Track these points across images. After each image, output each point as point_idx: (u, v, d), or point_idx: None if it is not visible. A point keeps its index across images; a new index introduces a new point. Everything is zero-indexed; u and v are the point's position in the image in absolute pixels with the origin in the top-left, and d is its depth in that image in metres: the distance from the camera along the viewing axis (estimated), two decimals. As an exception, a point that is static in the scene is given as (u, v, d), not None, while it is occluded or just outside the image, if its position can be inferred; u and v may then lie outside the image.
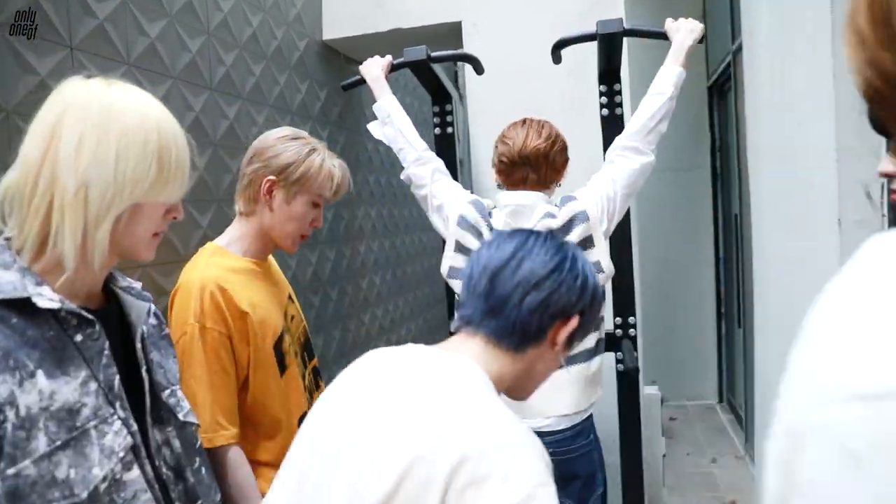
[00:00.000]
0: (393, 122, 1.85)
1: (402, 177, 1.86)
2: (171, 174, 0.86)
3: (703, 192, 4.60)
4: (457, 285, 1.70)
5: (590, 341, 1.67)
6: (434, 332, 4.02)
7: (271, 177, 1.37)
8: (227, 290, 1.28)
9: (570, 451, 1.65)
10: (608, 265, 1.64)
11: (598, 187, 1.68)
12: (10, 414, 0.71)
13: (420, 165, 1.81)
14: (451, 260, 1.72)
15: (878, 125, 0.93)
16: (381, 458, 0.74)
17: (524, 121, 1.72)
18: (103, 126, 0.80)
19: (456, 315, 0.95)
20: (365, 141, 3.03)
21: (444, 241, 1.81)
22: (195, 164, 1.86)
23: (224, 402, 1.28)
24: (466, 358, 0.85)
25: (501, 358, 0.88)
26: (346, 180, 1.48)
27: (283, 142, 1.39)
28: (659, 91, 1.70)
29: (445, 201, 1.76)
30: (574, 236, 1.61)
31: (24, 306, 0.76)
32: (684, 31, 1.74)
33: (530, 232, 0.96)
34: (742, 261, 3.81)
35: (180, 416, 0.96)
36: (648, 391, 2.79)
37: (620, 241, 2.02)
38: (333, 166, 1.43)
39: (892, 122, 0.87)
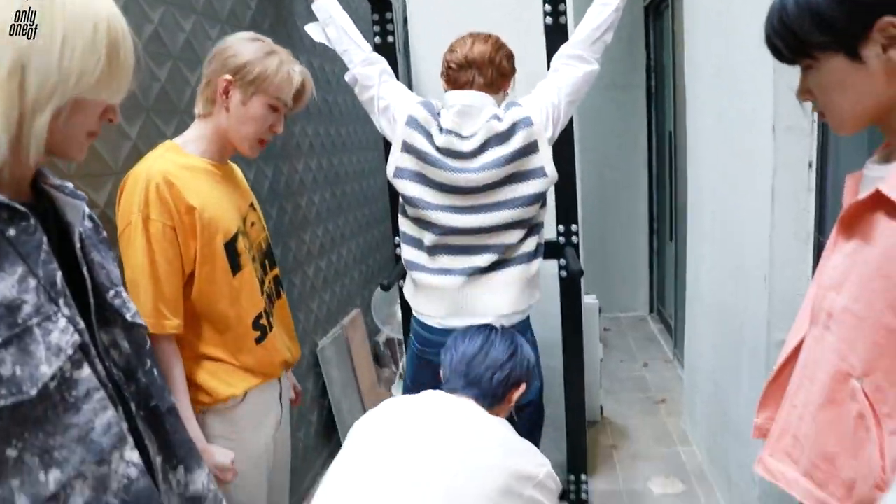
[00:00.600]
0: (335, 22, 1.78)
1: (346, 78, 1.79)
2: (119, 71, 0.81)
3: (637, 111, 4.66)
4: (403, 185, 1.70)
5: (530, 244, 1.71)
6: (374, 252, 4.01)
7: (227, 76, 1.37)
8: (175, 184, 1.28)
9: None
10: (552, 170, 1.67)
11: (543, 95, 1.68)
12: None
13: (367, 66, 1.75)
14: (397, 160, 1.71)
15: (779, 54, 0.96)
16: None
17: (471, 33, 1.73)
18: (46, 5, 0.73)
19: (443, 387, 1.33)
20: (298, 54, 2.90)
21: (388, 145, 1.78)
22: (156, 75, 1.75)
23: (167, 293, 1.29)
24: (467, 401, 1.28)
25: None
26: (308, 87, 1.49)
27: (241, 42, 1.40)
28: (605, 1, 1.69)
29: (392, 102, 1.72)
30: (517, 141, 1.62)
31: None
32: None
33: (491, 328, 1.40)
34: (674, 177, 3.92)
35: (128, 317, 0.92)
36: (588, 300, 2.90)
37: (564, 149, 2.04)
38: (293, 70, 1.43)
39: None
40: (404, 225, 1.76)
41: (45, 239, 0.78)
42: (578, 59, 1.68)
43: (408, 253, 1.76)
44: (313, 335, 2.97)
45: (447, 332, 1.71)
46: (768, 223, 1.76)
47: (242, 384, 1.40)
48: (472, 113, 1.64)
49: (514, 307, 1.70)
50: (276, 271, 1.58)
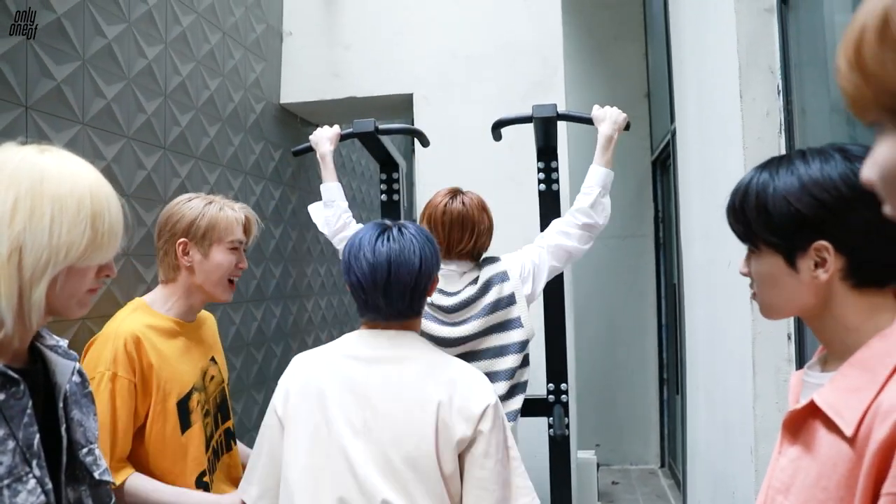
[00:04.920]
0: (335, 206, 2.01)
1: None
2: (104, 238, 0.90)
3: (646, 261, 4.78)
4: None
5: (516, 403, 1.75)
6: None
7: (182, 239, 1.47)
8: (142, 342, 1.36)
9: None
10: (528, 322, 1.75)
11: (527, 254, 1.81)
12: None
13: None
14: None
15: (730, 227, 1.01)
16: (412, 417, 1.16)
17: (448, 190, 1.83)
18: (36, 192, 0.84)
19: (367, 314, 1.26)
20: (315, 198, 3.10)
21: None
22: (143, 220, 1.89)
23: (123, 447, 1.35)
24: (406, 332, 1.26)
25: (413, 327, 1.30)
26: (252, 219, 1.58)
27: (180, 205, 1.50)
28: (588, 192, 1.84)
29: None
30: (491, 296, 1.72)
31: None
32: (608, 122, 1.88)
33: (387, 234, 1.25)
34: (681, 329, 3.95)
35: (96, 475, 0.98)
36: (583, 456, 2.84)
37: (554, 309, 2.11)
38: (233, 209, 1.53)
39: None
40: None
41: (30, 403, 0.85)
42: (567, 237, 1.82)
43: None
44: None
45: None
46: (751, 394, 1.78)
47: None
48: (454, 277, 1.77)
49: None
50: (230, 423, 1.61)
